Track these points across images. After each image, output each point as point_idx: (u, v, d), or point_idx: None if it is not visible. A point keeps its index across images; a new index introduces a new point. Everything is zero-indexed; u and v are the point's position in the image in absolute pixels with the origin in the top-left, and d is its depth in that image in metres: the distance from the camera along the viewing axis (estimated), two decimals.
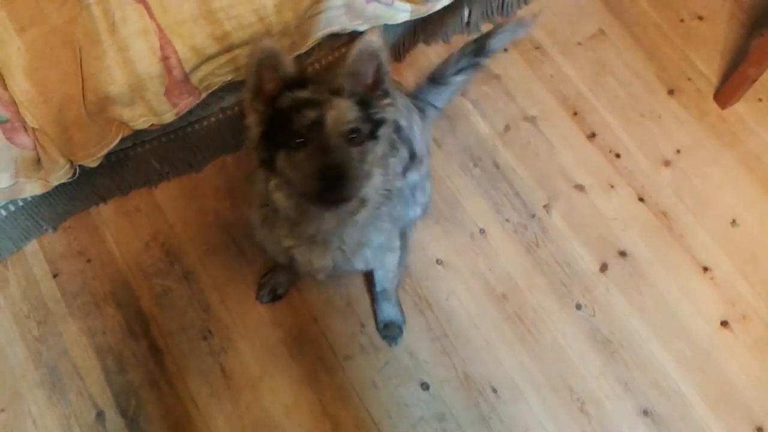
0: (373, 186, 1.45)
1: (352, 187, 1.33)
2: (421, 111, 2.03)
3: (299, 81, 1.38)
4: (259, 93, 1.38)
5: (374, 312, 2.11)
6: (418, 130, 1.89)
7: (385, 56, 1.38)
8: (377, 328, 2.11)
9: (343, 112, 1.33)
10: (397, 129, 1.76)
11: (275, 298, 2.12)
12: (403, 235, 2.08)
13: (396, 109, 1.50)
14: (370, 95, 1.40)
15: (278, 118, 1.36)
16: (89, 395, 2.01)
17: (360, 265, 1.72)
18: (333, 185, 1.30)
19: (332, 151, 1.31)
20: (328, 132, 1.31)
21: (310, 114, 1.31)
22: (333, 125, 1.32)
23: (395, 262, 1.91)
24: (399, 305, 2.11)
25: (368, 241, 1.63)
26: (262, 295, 2.12)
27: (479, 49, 2.06)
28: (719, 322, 2.13)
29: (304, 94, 1.35)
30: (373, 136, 1.40)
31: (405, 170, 1.86)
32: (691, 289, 2.17)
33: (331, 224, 1.49)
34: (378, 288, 2.03)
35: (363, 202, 1.45)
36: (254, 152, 1.44)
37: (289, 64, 1.36)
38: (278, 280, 2.11)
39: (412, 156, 1.86)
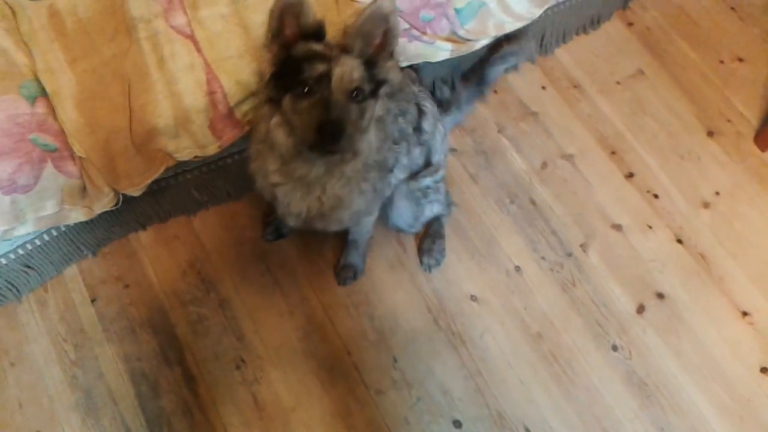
0: (367, 142, 1.56)
1: (348, 141, 1.45)
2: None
3: (317, 33, 1.51)
4: (278, 36, 1.51)
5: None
6: (439, 140, 2.02)
7: (394, 20, 1.51)
8: (334, 270, 2.20)
9: (349, 70, 1.45)
10: (418, 129, 1.89)
11: (279, 236, 2.23)
12: (438, 224, 2.24)
13: (398, 72, 1.59)
14: (376, 56, 1.52)
15: (291, 63, 1.48)
16: (122, 420, 2.02)
17: (334, 226, 1.82)
18: (330, 138, 1.42)
19: (334, 107, 1.43)
20: (333, 87, 1.44)
21: (320, 67, 1.44)
22: (338, 82, 1.44)
23: (370, 223, 2.03)
24: (364, 256, 2.20)
25: (348, 203, 1.70)
26: (268, 232, 2.24)
27: (480, 80, 2.26)
28: (759, 369, 2.09)
29: (317, 47, 1.48)
30: (373, 95, 1.52)
31: (418, 174, 2.00)
32: (729, 333, 2.14)
33: (319, 170, 1.58)
34: (350, 237, 2.11)
35: (355, 154, 1.56)
36: (263, 90, 1.57)
37: (311, 15, 1.50)
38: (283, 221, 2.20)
39: (427, 163, 2.01)
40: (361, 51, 1.49)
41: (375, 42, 1.52)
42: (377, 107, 1.55)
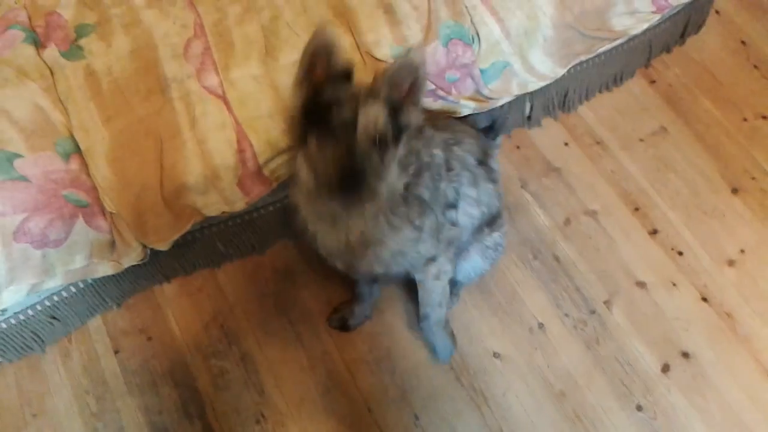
0: (386, 185, 1.54)
1: (367, 190, 1.44)
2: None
3: (346, 74, 1.50)
4: (308, 75, 1.50)
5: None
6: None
7: (423, 72, 1.50)
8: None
9: (374, 117, 1.44)
10: (485, 164, 1.91)
11: (344, 327, 2.19)
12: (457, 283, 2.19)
13: (419, 115, 1.56)
14: (402, 103, 1.51)
15: (318, 105, 1.46)
16: None
17: (378, 267, 1.75)
18: (350, 189, 1.42)
19: (357, 154, 1.42)
20: (358, 134, 1.42)
21: (346, 112, 1.42)
22: (363, 128, 1.43)
23: (438, 283, 1.91)
24: (448, 336, 2.13)
25: (380, 239, 1.66)
26: (333, 319, 2.21)
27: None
28: None
29: (345, 92, 1.47)
30: (396, 140, 1.50)
31: (488, 227, 1.99)
32: (757, 395, 2.10)
33: (337, 208, 1.55)
34: (422, 311, 2.02)
35: (372, 197, 1.54)
36: (291, 126, 1.55)
37: (341, 58, 1.49)
38: (352, 311, 2.17)
39: (500, 214, 2.03)
40: (387, 97, 1.48)
41: (402, 90, 1.52)
42: (398, 150, 1.54)
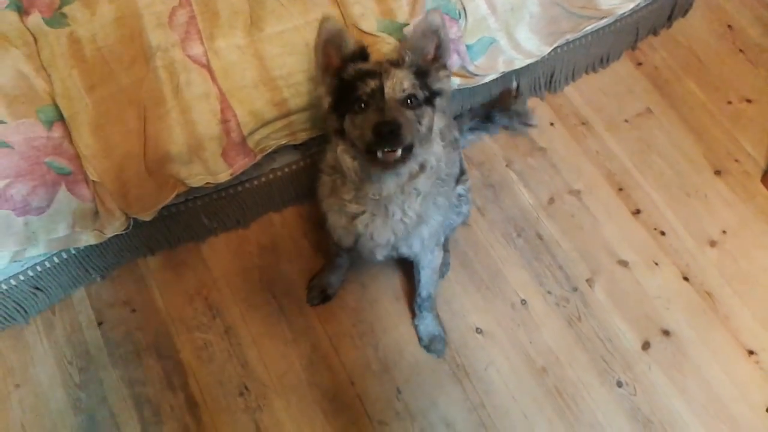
0: (432, 153, 1.58)
1: (405, 138, 1.44)
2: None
3: (361, 54, 1.58)
4: (327, 68, 1.58)
5: (416, 328, 2.16)
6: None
7: (444, 34, 1.58)
8: (421, 344, 2.16)
9: (400, 80, 1.50)
10: (454, 140, 1.95)
11: (325, 298, 2.21)
12: (446, 240, 2.22)
13: (450, 82, 1.65)
14: (429, 67, 1.58)
15: (345, 88, 1.53)
16: None
17: (416, 246, 1.79)
18: (387, 137, 1.42)
19: (388, 111, 1.45)
20: (386, 97, 1.48)
21: (371, 83, 1.49)
22: (391, 92, 1.48)
23: (438, 261, 1.99)
24: (438, 318, 2.16)
25: (427, 217, 1.71)
26: (312, 297, 2.21)
27: (486, 118, 2.38)
28: (765, 409, 2.07)
29: (366, 65, 1.55)
30: (429, 103, 1.55)
31: (455, 182, 2.02)
32: (735, 372, 2.13)
33: (391, 186, 1.57)
34: (423, 293, 2.06)
35: (422, 167, 1.57)
36: (327, 121, 1.61)
37: (351, 41, 1.57)
38: (327, 281, 2.20)
39: (462, 171, 2.07)
40: (412, 62, 1.54)
41: (428, 56, 1.59)
42: (437, 119, 1.57)
